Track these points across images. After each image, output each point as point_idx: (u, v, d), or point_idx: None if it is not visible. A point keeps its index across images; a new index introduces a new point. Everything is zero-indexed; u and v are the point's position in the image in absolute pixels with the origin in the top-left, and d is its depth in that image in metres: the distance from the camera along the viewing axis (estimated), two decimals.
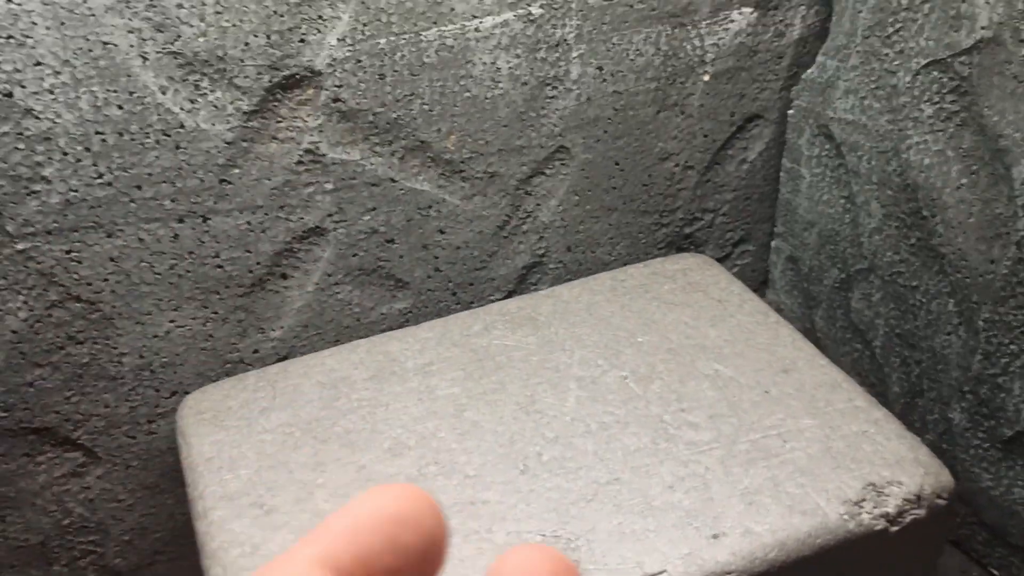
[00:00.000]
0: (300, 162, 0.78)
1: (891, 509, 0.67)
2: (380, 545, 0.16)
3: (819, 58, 0.92)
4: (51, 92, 0.66)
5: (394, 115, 0.79)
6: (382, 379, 0.80)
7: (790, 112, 0.97)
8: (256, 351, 0.84)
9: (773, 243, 1.06)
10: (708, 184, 0.98)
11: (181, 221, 0.75)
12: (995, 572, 0.91)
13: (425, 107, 0.80)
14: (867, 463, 0.69)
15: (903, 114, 0.84)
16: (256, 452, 0.73)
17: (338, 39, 0.74)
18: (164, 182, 0.73)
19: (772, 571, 0.63)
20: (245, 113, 0.74)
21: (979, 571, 0.92)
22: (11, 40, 0.64)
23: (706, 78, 0.91)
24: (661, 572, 0.62)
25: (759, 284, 1.08)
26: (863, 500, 0.67)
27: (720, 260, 1.04)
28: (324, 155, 0.78)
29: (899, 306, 0.91)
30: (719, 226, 1.02)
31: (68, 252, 0.73)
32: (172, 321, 0.79)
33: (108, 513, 0.85)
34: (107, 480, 0.84)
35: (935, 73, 0.80)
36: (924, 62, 0.81)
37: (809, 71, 0.93)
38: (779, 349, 0.81)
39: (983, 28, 0.75)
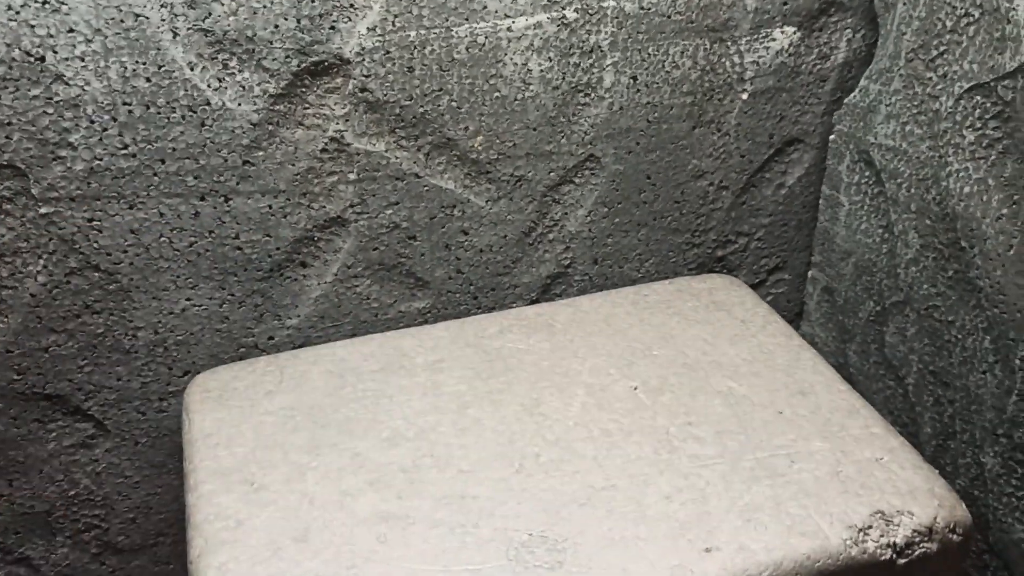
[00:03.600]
0: (325, 150, 0.78)
1: (899, 539, 0.63)
2: None
3: (862, 82, 0.90)
4: (82, 59, 0.68)
5: (421, 109, 0.79)
6: (390, 372, 0.79)
7: (831, 137, 0.94)
8: (271, 338, 0.85)
9: (810, 273, 1.03)
10: (743, 207, 0.96)
11: (203, 199, 0.76)
12: None
13: (453, 104, 0.80)
14: (878, 491, 0.66)
15: (944, 140, 0.81)
16: (254, 432, 0.73)
17: (368, 28, 0.75)
18: (188, 158, 0.74)
19: None
20: (272, 96, 0.75)
21: None
22: (46, 5, 0.66)
23: (744, 96, 0.89)
24: None
25: (794, 316, 1.05)
26: (870, 527, 0.63)
27: (754, 287, 1.01)
28: (349, 144, 0.79)
29: (934, 342, 0.87)
30: (753, 251, 0.99)
31: (90, 220, 0.74)
32: (188, 299, 0.80)
33: (114, 488, 0.85)
34: (115, 455, 0.84)
35: (978, 98, 0.77)
36: (967, 86, 0.78)
37: (851, 95, 0.91)
38: (798, 372, 0.78)
39: None
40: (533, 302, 0.93)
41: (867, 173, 0.91)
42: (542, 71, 0.82)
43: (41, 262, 0.74)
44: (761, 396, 0.75)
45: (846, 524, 0.63)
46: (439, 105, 0.80)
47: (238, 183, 0.77)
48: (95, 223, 0.74)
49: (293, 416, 0.74)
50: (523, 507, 0.65)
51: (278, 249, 0.81)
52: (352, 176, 0.80)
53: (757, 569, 0.61)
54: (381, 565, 0.61)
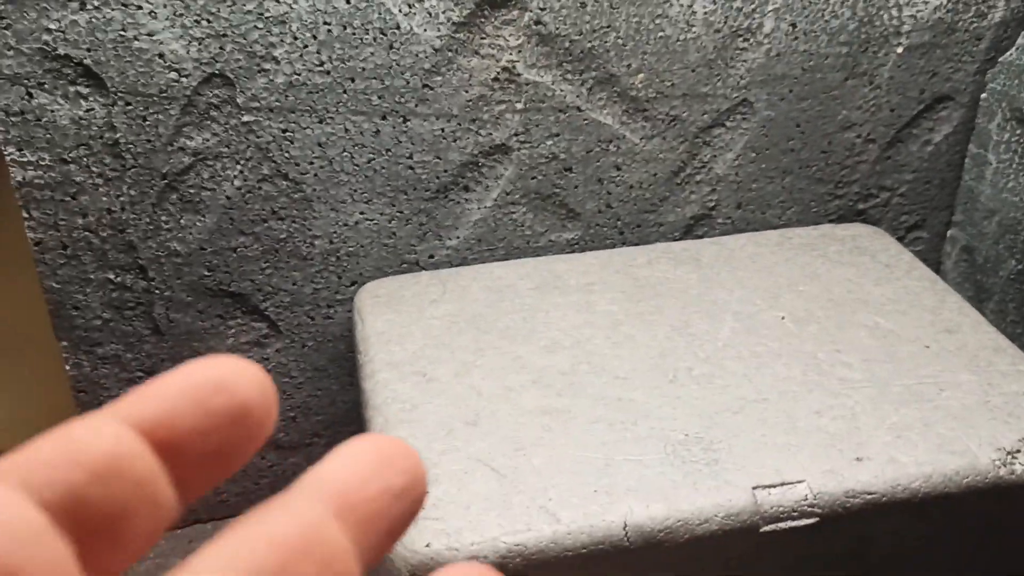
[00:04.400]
0: (496, 79, 0.83)
1: None
2: (186, 406, 0.15)
3: (1020, 40, 0.90)
4: None
5: (589, 44, 0.84)
6: (545, 291, 0.84)
7: (983, 95, 0.95)
8: (432, 256, 0.90)
9: (949, 232, 1.04)
10: (889, 161, 0.98)
11: (384, 118, 0.82)
12: None
13: (619, 41, 0.84)
14: None
15: None
16: (423, 332, 0.78)
17: None
18: (375, 78, 0.80)
19: (915, 501, 0.63)
20: (455, 24, 0.80)
21: None
22: None
23: (899, 50, 0.91)
24: (800, 481, 0.63)
25: None
26: (1018, 451, 0.65)
27: None
28: (519, 75, 0.84)
29: None
30: (895, 207, 1.01)
31: (284, 131, 0.81)
32: (362, 213, 0.86)
33: (280, 386, 0.92)
34: (284, 355, 0.91)
35: None
36: None
37: (1007, 54, 0.92)
38: (944, 312, 0.80)
39: None
40: (676, 241, 0.96)
41: (1018, 131, 0.92)
42: (706, 13, 0.85)
43: (238, 167, 0.81)
44: (908, 331, 0.77)
45: (995, 447, 0.65)
46: (606, 41, 0.84)
47: (416, 105, 0.83)
48: (288, 134, 0.81)
49: (457, 322, 0.80)
50: (678, 411, 0.69)
51: (446, 171, 0.86)
52: (519, 106, 0.85)
53: (907, 480, 0.63)
54: (547, 449, 0.66)
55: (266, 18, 0.76)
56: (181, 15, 0.74)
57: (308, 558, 0.15)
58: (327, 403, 0.95)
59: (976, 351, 0.75)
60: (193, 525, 0.96)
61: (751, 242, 0.91)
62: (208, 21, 0.75)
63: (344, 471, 0.16)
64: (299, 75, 0.79)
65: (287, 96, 0.79)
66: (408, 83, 0.81)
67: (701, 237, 0.97)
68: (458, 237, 0.90)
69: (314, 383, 0.93)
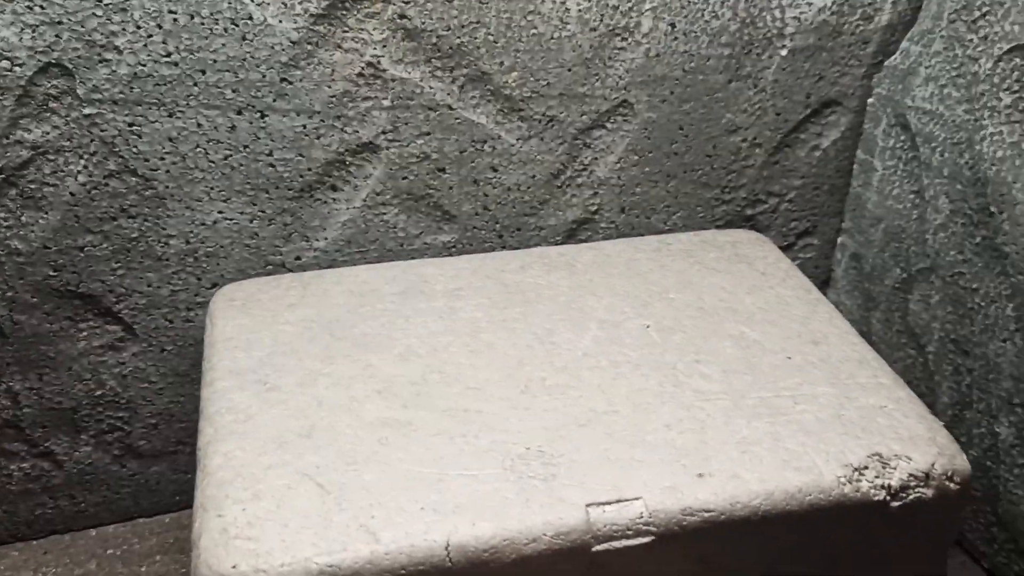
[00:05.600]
0: (361, 74, 0.80)
1: (894, 482, 0.63)
2: None
3: (903, 44, 0.89)
4: None
5: (458, 40, 0.81)
6: (410, 296, 0.81)
7: (870, 100, 0.94)
8: (298, 258, 0.87)
9: (839, 239, 1.02)
10: (776, 166, 0.96)
11: (239, 113, 0.79)
12: None
13: (490, 37, 0.81)
14: (878, 435, 0.66)
15: (981, 103, 0.80)
16: (273, 339, 0.75)
17: None
18: (227, 71, 0.77)
19: (755, 519, 0.61)
20: (313, 16, 0.76)
21: None
22: None
23: (783, 52, 0.89)
24: (636, 499, 0.60)
25: (821, 283, 1.05)
26: (865, 468, 0.63)
27: (783, 250, 1.01)
28: (385, 71, 0.80)
29: (957, 309, 0.86)
30: (784, 213, 0.99)
31: (130, 125, 0.77)
32: (220, 212, 0.82)
33: (139, 392, 0.88)
34: (142, 359, 0.87)
35: (1017, 59, 0.76)
36: (1007, 47, 0.77)
37: (892, 57, 0.90)
38: (813, 323, 0.78)
39: None
40: (558, 245, 0.94)
41: (903, 137, 0.91)
42: (580, 11, 0.82)
43: (82, 162, 0.77)
44: (773, 342, 0.75)
45: (842, 463, 0.63)
46: (476, 37, 0.81)
47: (275, 100, 0.79)
48: (135, 128, 0.77)
49: (311, 328, 0.76)
50: (524, 424, 0.66)
51: (309, 170, 0.83)
52: (386, 103, 0.82)
53: (748, 497, 0.61)
54: (380, 464, 0.63)
55: (105, 5, 0.72)
56: (11, 0, 0.70)
57: None
58: (191, 409, 0.91)
59: (839, 363, 0.73)
60: (49, 536, 0.92)
61: (630, 247, 0.89)
62: (42, 7, 0.71)
63: None
64: (144, 66, 0.75)
65: (132, 88, 0.75)
66: (264, 77, 0.78)
67: (585, 241, 0.95)
68: (326, 238, 0.87)
69: (175, 389, 0.89)
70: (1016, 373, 0.81)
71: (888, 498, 0.63)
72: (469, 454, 0.64)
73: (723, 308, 0.80)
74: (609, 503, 0.60)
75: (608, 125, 0.89)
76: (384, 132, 0.83)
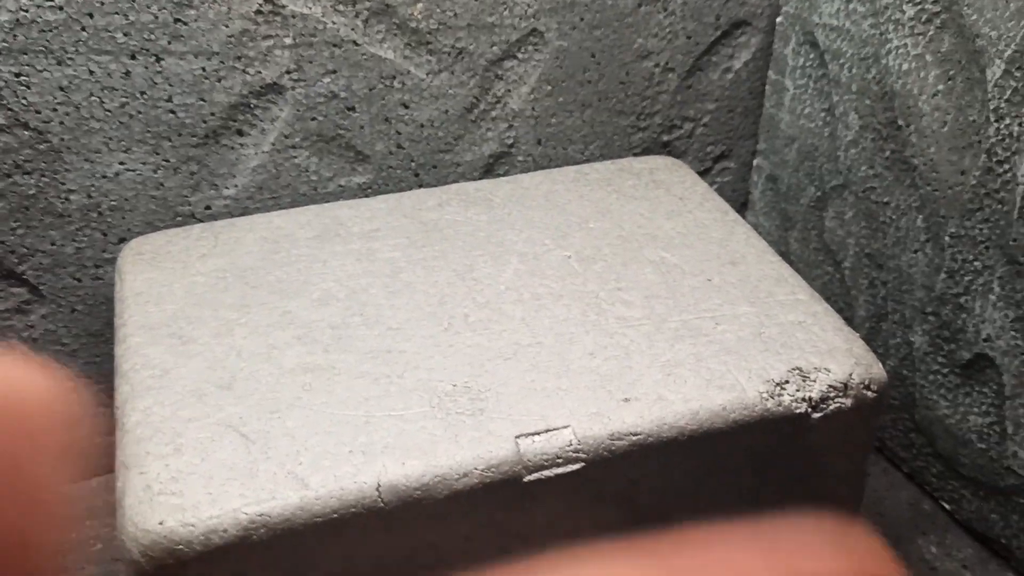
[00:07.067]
0: (259, 11, 0.77)
1: (815, 394, 0.64)
2: None
3: None
4: None
5: None
6: (325, 239, 0.79)
7: (778, 19, 0.94)
8: (208, 207, 0.84)
9: (755, 161, 1.03)
10: (690, 91, 0.96)
11: (133, 58, 0.75)
12: (946, 505, 0.88)
13: None
14: (797, 349, 0.67)
15: (885, 16, 0.81)
16: (185, 291, 0.73)
17: None
18: (116, 13, 0.73)
19: (682, 439, 0.62)
20: None
21: (931, 504, 0.90)
22: None
23: None
24: (564, 427, 0.61)
25: (739, 206, 1.06)
26: (786, 382, 0.65)
27: (700, 175, 1.01)
28: (284, 6, 0.77)
29: (870, 224, 0.88)
30: (699, 137, 0.99)
31: (17, 75, 0.73)
32: (122, 163, 0.79)
33: (52, 356, 0.85)
34: (51, 321, 0.84)
35: None
36: None
37: None
38: (731, 244, 0.79)
39: None
40: (476, 181, 0.92)
41: (812, 55, 0.91)
42: None
43: None
44: (692, 265, 0.76)
45: (764, 379, 0.64)
46: None
47: (169, 42, 0.76)
48: (23, 78, 0.73)
49: (225, 277, 0.74)
50: (448, 361, 0.66)
51: (213, 115, 0.80)
52: (288, 41, 0.79)
53: (674, 418, 0.62)
54: (304, 411, 0.62)
55: None
56: None
57: None
58: (108, 371, 0.88)
59: (757, 282, 0.74)
60: None
61: (547, 179, 0.88)
62: None
63: None
64: (27, 11, 0.71)
65: (15, 36, 0.71)
66: (157, 18, 0.74)
67: (503, 175, 0.94)
68: (236, 186, 0.84)
69: (90, 349, 0.87)
70: (928, 283, 0.83)
71: (809, 410, 0.64)
72: (395, 394, 0.63)
73: (642, 235, 0.80)
74: (538, 433, 0.60)
75: (519, 55, 0.88)
76: (288, 72, 0.80)
